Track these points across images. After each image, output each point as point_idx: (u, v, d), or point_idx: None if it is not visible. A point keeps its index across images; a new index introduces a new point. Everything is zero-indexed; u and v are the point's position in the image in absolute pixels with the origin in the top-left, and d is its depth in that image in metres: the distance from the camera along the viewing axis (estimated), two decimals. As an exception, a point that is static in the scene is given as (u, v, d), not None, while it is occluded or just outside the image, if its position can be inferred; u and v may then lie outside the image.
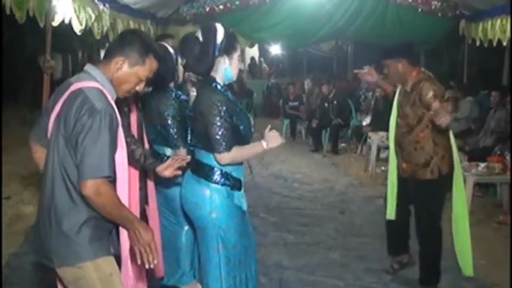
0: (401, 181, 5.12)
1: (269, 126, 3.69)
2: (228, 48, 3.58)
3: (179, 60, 4.56)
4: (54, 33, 9.73)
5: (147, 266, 2.70)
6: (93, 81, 2.76)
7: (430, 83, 4.75)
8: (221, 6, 11.44)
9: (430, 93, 4.67)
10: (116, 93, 2.87)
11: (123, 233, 2.82)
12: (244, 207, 3.71)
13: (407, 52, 4.99)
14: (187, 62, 3.67)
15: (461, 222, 5.06)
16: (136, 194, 3.75)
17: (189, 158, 3.67)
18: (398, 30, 12.15)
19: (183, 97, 4.74)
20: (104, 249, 2.82)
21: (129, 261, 2.90)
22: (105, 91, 2.76)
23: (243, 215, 3.72)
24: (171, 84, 4.47)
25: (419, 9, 11.56)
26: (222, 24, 3.61)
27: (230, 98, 3.62)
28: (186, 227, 4.58)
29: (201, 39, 3.55)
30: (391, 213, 5.18)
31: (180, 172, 3.63)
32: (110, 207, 2.65)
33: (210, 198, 3.57)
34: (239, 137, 3.57)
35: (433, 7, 11.43)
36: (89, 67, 2.86)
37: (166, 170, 3.60)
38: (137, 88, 2.93)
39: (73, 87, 2.74)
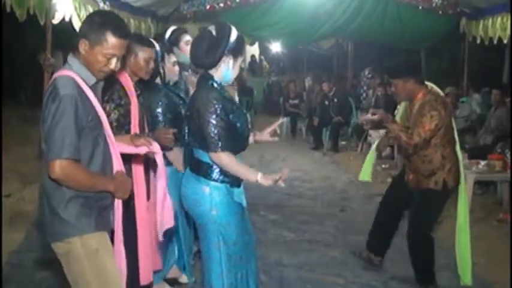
0: (405, 190, 5.15)
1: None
2: (236, 50, 3.59)
3: (167, 57, 4.58)
4: (54, 31, 9.75)
5: None
6: (67, 70, 2.89)
7: (431, 107, 4.73)
8: (221, 4, 11.45)
9: (425, 117, 4.70)
10: (94, 76, 2.96)
11: (116, 213, 3.00)
12: (244, 203, 3.71)
13: (414, 72, 5.03)
14: (193, 54, 3.65)
15: (463, 234, 5.04)
16: (142, 187, 3.80)
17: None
18: (399, 27, 12.16)
19: (181, 95, 4.75)
20: (92, 226, 2.92)
21: (121, 241, 3.07)
22: (77, 78, 2.86)
23: (243, 212, 3.72)
24: (158, 81, 4.49)
25: (420, 7, 11.56)
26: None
27: (226, 96, 3.62)
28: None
29: (213, 33, 3.56)
30: (363, 176, 5.68)
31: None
32: (82, 185, 2.83)
33: (210, 196, 3.56)
34: (236, 134, 3.57)
35: (433, 5, 11.43)
36: (69, 56, 2.97)
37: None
38: (111, 67, 2.95)
39: (52, 79, 2.89)
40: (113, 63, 2.95)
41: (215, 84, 3.59)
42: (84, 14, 8.05)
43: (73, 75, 2.87)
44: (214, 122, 3.45)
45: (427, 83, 5.00)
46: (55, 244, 2.94)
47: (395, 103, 11.64)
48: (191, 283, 4.88)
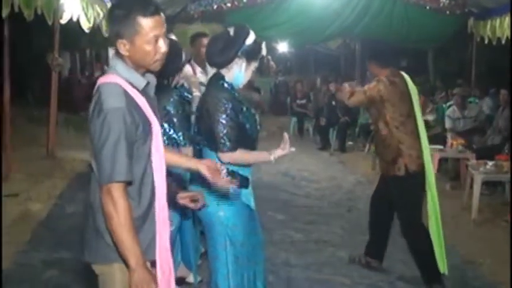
0: (384, 185, 5.31)
1: (284, 139, 3.56)
2: (251, 54, 3.59)
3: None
4: (62, 31, 9.78)
5: None
6: (112, 75, 2.60)
7: (379, 80, 5.02)
8: (229, 4, 11.45)
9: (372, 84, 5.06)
10: (144, 79, 2.68)
11: (160, 238, 2.72)
12: (253, 205, 3.71)
13: (374, 54, 5.29)
14: (207, 51, 3.65)
15: (433, 221, 5.06)
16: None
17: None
18: (406, 27, 12.13)
19: (186, 95, 4.75)
20: None
21: (159, 268, 2.75)
22: (124, 84, 2.58)
23: (250, 213, 3.72)
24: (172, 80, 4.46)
25: (427, 7, 11.53)
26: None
27: (236, 97, 3.61)
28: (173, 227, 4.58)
29: (231, 33, 3.57)
30: None
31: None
32: (114, 222, 2.48)
33: (217, 196, 3.56)
34: (245, 135, 3.56)
35: (441, 5, 11.39)
36: (112, 59, 2.70)
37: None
38: (162, 51, 2.63)
39: (97, 84, 2.62)
40: (162, 45, 2.62)
41: (226, 85, 3.59)
42: (91, 14, 8.05)
43: (119, 81, 2.57)
44: (223, 122, 3.45)
45: (402, 72, 5.19)
46: (95, 265, 2.77)
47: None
48: (197, 283, 4.88)
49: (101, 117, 2.47)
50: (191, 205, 3.27)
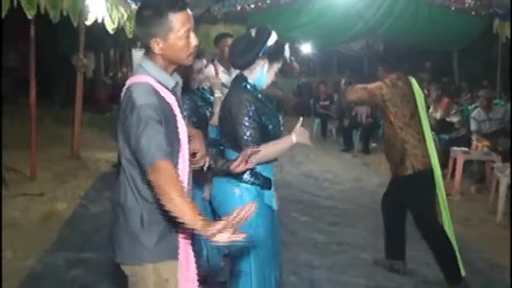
0: (394, 185, 5.39)
1: (301, 119, 3.63)
2: (273, 55, 3.60)
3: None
4: (86, 32, 9.86)
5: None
6: (143, 75, 2.63)
7: (382, 81, 5.17)
8: (252, 5, 11.44)
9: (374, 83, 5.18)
10: (172, 79, 2.70)
11: (185, 240, 2.70)
12: (275, 206, 3.70)
13: (383, 60, 5.46)
14: (230, 53, 3.67)
15: (445, 221, 5.12)
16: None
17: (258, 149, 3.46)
18: (431, 28, 12.01)
19: (207, 96, 4.76)
20: (168, 253, 2.71)
21: (184, 266, 2.74)
22: (155, 83, 2.61)
23: (272, 215, 3.71)
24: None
25: (452, 8, 11.42)
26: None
27: (259, 98, 3.62)
28: None
29: (253, 34, 3.58)
30: None
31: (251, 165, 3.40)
32: (169, 195, 2.34)
33: (240, 197, 3.55)
34: (268, 136, 3.56)
35: (466, 5, 11.28)
36: (142, 59, 2.71)
37: (239, 166, 3.27)
38: (193, 44, 2.66)
39: (126, 84, 2.65)
40: (193, 39, 2.65)
41: (248, 86, 3.59)
42: (116, 15, 8.12)
43: (150, 80, 2.61)
44: (246, 123, 3.45)
45: (409, 76, 5.26)
46: (126, 265, 2.77)
47: (426, 105, 11.57)
48: (220, 284, 4.88)
49: (134, 114, 2.48)
50: (248, 166, 3.25)
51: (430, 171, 5.04)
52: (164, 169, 2.38)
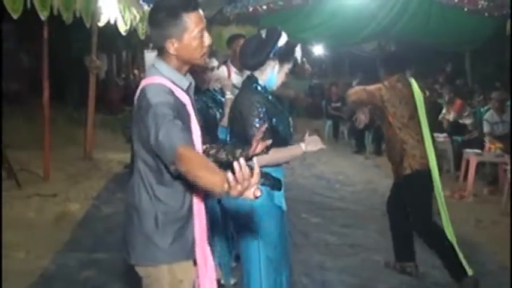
0: (396, 186, 5.50)
1: (308, 132, 3.66)
2: (284, 56, 3.61)
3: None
4: (99, 34, 9.90)
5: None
6: (156, 76, 2.65)
7: (382, 83, 5.25)
8: (264, 7, 11.47)
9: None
10: (186, 79, 2.73)
11: (200, 239, 2.71)
12: (285, 207, 3.70)
13: (384, 63, 5.55)
14: (240, 54, 3.68)
15: (444, 221, 5.15)
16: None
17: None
18: (443, 29, 11.99)
19: (218, 97, 4.77)
20: (183, 254, 2.73)
21: (202, 264, 2.76)
22: (169, 84, 2.63)
23: (282, 216, 3.71)
24: None
25: (465, 9, 11.37)
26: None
27: (270, 99, 3.62)
28: None
29: (263, 36, 3.59)
30: None
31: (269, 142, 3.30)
32: (194, 170, 2.28)
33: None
34: (278, 137, 3.56)
35: (479, 6, 11.23)
36: (155, 61, 2.73)
37: (256, 148, 3.15)
38: (206, 44, 2.70)
39: (140, 86, 2.66)
40: (207, 38, 2.69)
41: (259, 88, 3.60)
42: (128, 17, 8.15)
43: (164, 81, 2.63)
44: (257, 125, 3.45)
45: (410, 78, 5.31)
46: (140, 267, 2.78)
47: (440, 106, 11.53)
48: (232, 285, 4.89)
49: (150, 113, 2.49)
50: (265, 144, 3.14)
51: (428, 172, 5.08)
52: (186, 155, 2.34)
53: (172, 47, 2.62)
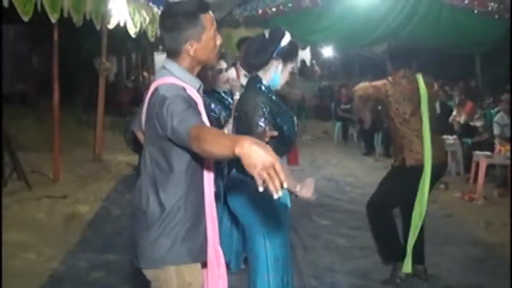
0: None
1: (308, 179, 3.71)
2: (287, 55, 3.63)
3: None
4: (109, 36, 9.93)
5: (275, 196, 2.03)
6: (168, 76, 2.67)
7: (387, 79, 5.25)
8: (274, 9, 11.47)
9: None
10: (196, 81, 2.74)
11: (211, 240, 2.72)
12: (289, 203, 3.72)
13: (390, 57, 5.49)
14: (244, 54, 3.71)
15: (416, 220, 5.19)
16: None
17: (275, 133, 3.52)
18: (454, 31, 11.95)
19: (225, 98, 4.78)
20: (191, 256, 2.71)
21: (214, 263, 2.76)
22: (180, 83, 2.63)
23: (286, 212, 3.74)
24: None
25: (475, 11, 11.33)
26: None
27: (273, 99, 3.65)
28: None
29: (267, 36, 3.62)
30: None
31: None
32: (206, 147, 2.26)
33: (254, 195, 3.55)
34: (283, 137, 3.58)
35: (489, 8, 11.19)
36: (166, 62, 2.74)
37: (265, 136, 3.36)
38: (219, 43, 2.75)
39: (152, 86, 2.67)
40: (218, 39, 2.75)
41: (263, 88, 3.62)
42: (138, 19, 8.16)
43: (176, 81, 2.63)
44: (262, 125, 3.48)
45: (416, 74, 5.26)
46: (148, 270, 2.77)
47: (450, 108, 11.50)
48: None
49: (165, 105, 2.50)
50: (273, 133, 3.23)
51: (420, 170, 5.08)
52: (197, 133, 2.32)
53: (191, 48, 2.65)
